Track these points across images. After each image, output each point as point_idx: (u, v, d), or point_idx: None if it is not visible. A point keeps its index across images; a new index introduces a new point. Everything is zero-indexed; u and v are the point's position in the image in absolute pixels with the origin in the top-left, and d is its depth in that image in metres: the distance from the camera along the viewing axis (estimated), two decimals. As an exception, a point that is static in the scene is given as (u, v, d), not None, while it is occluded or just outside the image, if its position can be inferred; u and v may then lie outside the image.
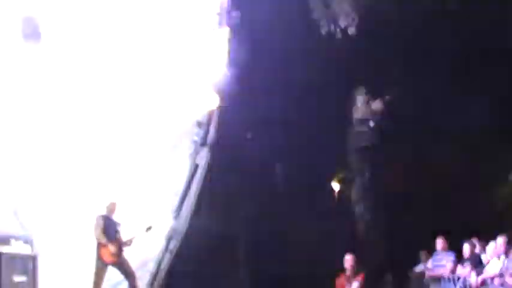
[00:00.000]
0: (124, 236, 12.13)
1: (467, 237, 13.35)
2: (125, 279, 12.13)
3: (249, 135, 15.32)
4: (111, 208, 12.31)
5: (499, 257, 12.25)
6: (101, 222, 12.00)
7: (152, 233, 12.52)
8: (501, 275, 11.99)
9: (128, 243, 12.08)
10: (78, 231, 12.67)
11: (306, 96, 15.20)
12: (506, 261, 12.08)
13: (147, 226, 12.25)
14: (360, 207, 16.49)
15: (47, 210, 13.44)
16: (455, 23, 15.01)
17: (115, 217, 12.29)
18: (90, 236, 12.03)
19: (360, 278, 12.56)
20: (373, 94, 15.90)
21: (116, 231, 12.12)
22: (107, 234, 11.95)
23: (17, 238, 12.23)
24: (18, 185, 13.45)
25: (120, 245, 11.95)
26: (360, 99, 16.07)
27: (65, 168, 13.84)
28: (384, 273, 15.59)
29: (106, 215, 12.22)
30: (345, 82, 15.89)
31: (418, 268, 14.29)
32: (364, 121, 16.16)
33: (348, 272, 12.73)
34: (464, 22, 14.87)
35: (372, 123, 15.93)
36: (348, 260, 12.79)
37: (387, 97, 15.71)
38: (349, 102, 16.25)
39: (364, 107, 16.09)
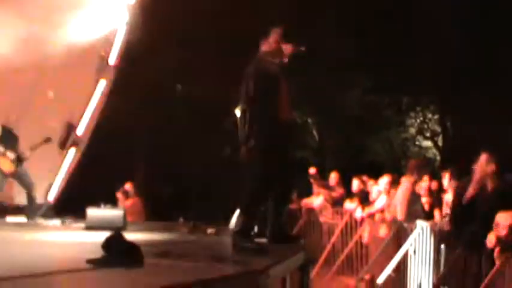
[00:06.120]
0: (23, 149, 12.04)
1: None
2: (23, 190, 12.11)
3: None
4: (12, 120, 12.14)
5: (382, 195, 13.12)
6: None
7: (51, 144, 12.60)
8: (382, 211, 12.89)
9: (28, 153, 11.98)
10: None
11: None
12: (387, 199, 12.97)
13: (46, 138, 12.24)
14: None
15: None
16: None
17: (15, 130, 12.12)
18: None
19: None
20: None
21: (15, 144, 12.02)
22: (5, 144, 11.83)
23: None
24: None
25: (19, 156, 11.91)
26: None
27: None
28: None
29: (6, 125, 12.07)
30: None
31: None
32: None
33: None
34: None
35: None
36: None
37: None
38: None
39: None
